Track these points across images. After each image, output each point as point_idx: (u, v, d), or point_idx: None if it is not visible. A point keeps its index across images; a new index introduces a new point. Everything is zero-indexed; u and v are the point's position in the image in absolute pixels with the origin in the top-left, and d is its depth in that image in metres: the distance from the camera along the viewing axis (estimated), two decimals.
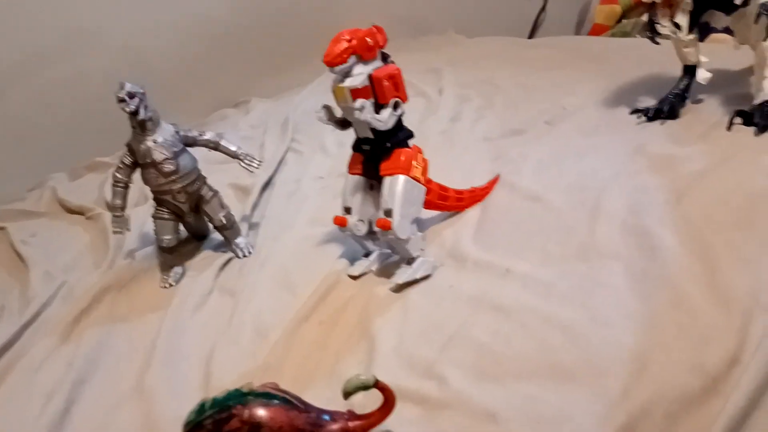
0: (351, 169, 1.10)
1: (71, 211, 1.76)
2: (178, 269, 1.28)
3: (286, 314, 1.06)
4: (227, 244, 1.33)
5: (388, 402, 0.75)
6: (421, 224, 1.13)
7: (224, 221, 1.28)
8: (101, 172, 1.95)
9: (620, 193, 1.09)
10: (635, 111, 1.37)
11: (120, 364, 1.05)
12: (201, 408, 0.73)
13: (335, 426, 0.74)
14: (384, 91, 0.99)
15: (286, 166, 1.70)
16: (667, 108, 1.31)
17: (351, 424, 0.74)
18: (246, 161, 1.29)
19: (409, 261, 1.06)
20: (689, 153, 1.14)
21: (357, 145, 1.07)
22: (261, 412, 0.71)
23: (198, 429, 0.72)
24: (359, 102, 0.97)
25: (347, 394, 0.73)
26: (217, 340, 1.05)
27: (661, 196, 1.04)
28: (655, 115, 1.32)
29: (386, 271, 1.09)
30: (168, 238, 1.26)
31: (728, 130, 1.20)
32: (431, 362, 0.87)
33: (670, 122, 1.30)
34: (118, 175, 1.23)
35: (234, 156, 1.28)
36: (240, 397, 0.73)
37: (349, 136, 1.08)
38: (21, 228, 1.69)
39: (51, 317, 1.24)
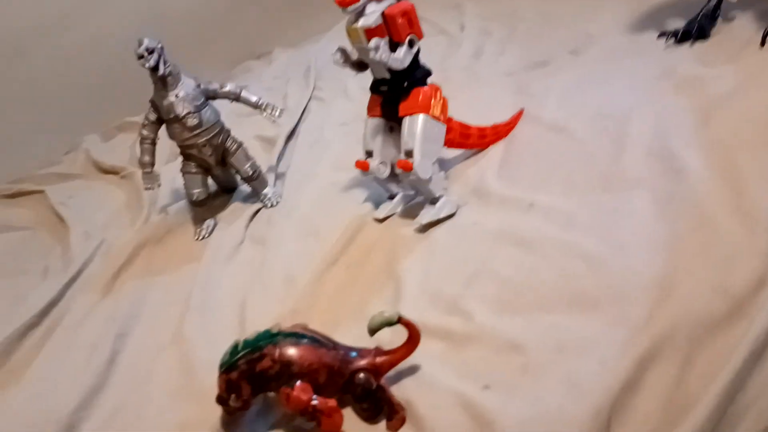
0: (370, 111, 1.09)
1: (105, 171, 1.80)
2: (209, 222, 1.32)
3: (313, 260, 1.08)
4: (255, 195, 1.35)
5: (413, 337, 0.76)
6: (443, 164, 1.13)
7: (251, 172, 1.30)
8: (132, 132, 1.97)
9: (646, 119, 1.07)
10: (662, 34, 1.31)
11: (159, 316, 1.09)
12: (234, 350, 0.76)
13: (363, 362, 0.76)
14: (398, 28, 0.97)
15: (309, 114, 1.71)
16: (696, 29, 1.25)
17: (378, 359, 0.77)
18: (268, 111, 1.29)
19: (433, 201, 1.06)
20: (718, 73, 1.10)
21: (375, 87, 1.07)
22: (291, 351, 0.74)
23: (233, 369, 0.75)
24: (374, 41, 0.96)
25: (372, 331, 0.75)
26: (249, 288, 1.08)
27: (688, 119, 1.01)
28: (683, 37, 1.27)
29: (411, 212, 1.10)
30: (197, 192, 1.29)
31: (761, 47, 1.15)
32: (456, 298, 0.88)
33: (699, 43, 1.25)
34: (144, 132, 1.25)
35: (255, 106, 1.29)
36: (270, 337, 0.75)
37: (371, 79, 1.07)
38: (59, 190, 1.74)
39: (92, 274, 1.28)
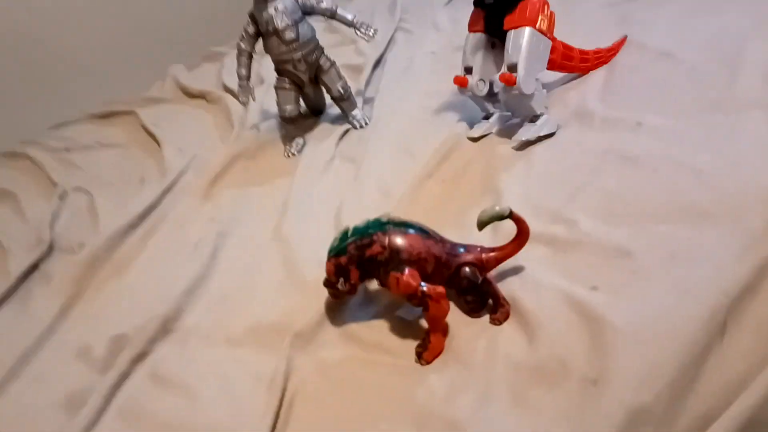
0: (472, 26, 1.08)
1: (193, 96, 1.85)
2: (299, 140, 1.34)
3: (407, 175, 1.09)
4: (344, 117, 1.36)
5: (522, 234, 0.77)
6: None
7: (341, 92, 1.31)
8: (216, 62, 2.02)
9: (762, 44, 1.02)
10: None
11: (257, 219, 1.13)
12: (344, 236, 0.78)
13: (469, 256, 0.77)
14: None
15: (395, 45, 1.70)
16: None
17: (484, 255, 0.77)
18: (362, 29, 1.29)
19: (533, 119, 1.05)
20: None
21: (479, 0, 1.05)
22: (400, 239, 0.76)
23: (342, 254, 0.77)
24: None
25: (482, 225, 0.75)
26: (343, 199, 1.10)
27: None
28: None
29: (507, 132, 1.09)
30: (290, 108, 1.31)
31: None
32: (559, 209, 0.88)
33: None
34: (241, 45, 1.28)
35: (350, 24, 1.29)
36: (380, 225, 0.77)
37: (463, 12, 1.06)
38: (150, 113, 1.79)
39: (188, 183, 1.33)
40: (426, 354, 0.74)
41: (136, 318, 0.94)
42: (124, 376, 0.86)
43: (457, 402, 0.68)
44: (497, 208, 0.74)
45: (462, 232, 0.84)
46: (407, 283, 0.73)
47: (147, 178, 1.44)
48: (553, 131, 1.04)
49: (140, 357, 0.88)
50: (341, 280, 0.78)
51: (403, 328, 0.80)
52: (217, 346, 0.88)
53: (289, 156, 1.31)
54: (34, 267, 1.24)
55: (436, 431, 0.67)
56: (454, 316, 0.77)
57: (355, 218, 1.01)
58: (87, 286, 1.10)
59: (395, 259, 0.75)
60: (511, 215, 0.75)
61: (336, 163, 1.24)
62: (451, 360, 0.74)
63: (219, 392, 0.80)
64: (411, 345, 0.77)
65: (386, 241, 0.75)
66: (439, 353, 0.75)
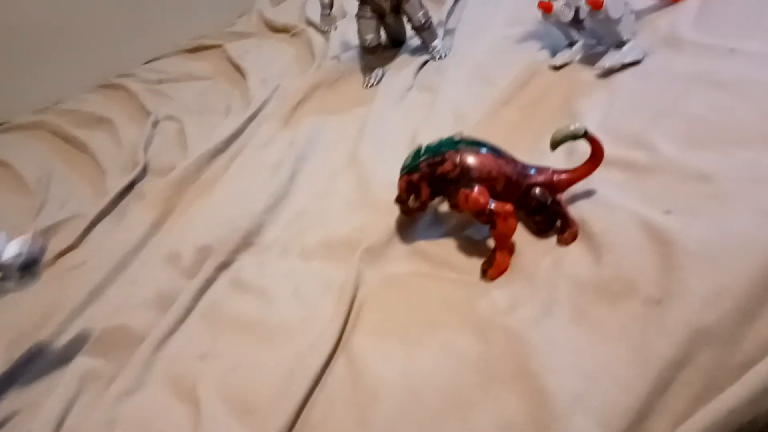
0: None
1: (277, 30, 1.89)
2: (378, 71, 1.35)
3: (484, 103, 1.09)
4: (424, 47, 1.35)
5: (596, 155, 0.75)
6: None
7: (422, 21, 1.30)
8: None
9: None
10: None
11: (334, 144, 1.16)
12: (416, 153, 0.80)
13: (540, 177, 0.77)
14: None
15: None
16: None
17: (555, 176, 0.77)
18: None
19: (619, 45, 1.01)
20: None
21: None
22: (471, 158, 0.76)
23: (414, 171, 0.79)
24: None
25: (555, 144, 0.75)
26: (418, 125, 1.11)
27: None
28: None
29: (591, 59, 1.05)
30: (370, 37, 1.32)
31: None
32: (640, 134, 0.85)
33: None
34: None
35: None
36: (452, 144, 0.78)
37: None
38: (235, 46, 1.85)
39: (270, 112, 1.38)
40: (491, 271, 0.75)
41: (220, 231, 1.01)
42: (209, 282, 0.92)
43: (518, 314, 0.70)
44: (572, 127, 0.73)
45: (537, 157, 0.83)
46: (476, 199, 0.74)
47: (233, 107, 1.50)
48: (639, 58, 1.00)
49: (223, 265, 0.95)
50: (412, 196, 0.80)
51: (469, 247, 0.81)
52: (292, 258, 0.93)
53: (367, 86, 1.33)
54: (129, 186, 1.33)
55: (496, 341, 0.68)
56: (521, 235, 0.78)
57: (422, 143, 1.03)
58: (176, 204, 1.18)
59: (465, 176, 0.75)
60: (586, 135, 0.73)
61: (413, 92, 1.25)
62: (515, 277, 0.75)
63: (292, 298, 0.84)
64: (476, 263, 0.79)
65: (457, 159, 0.76)
66: (504, 270, 0.76)
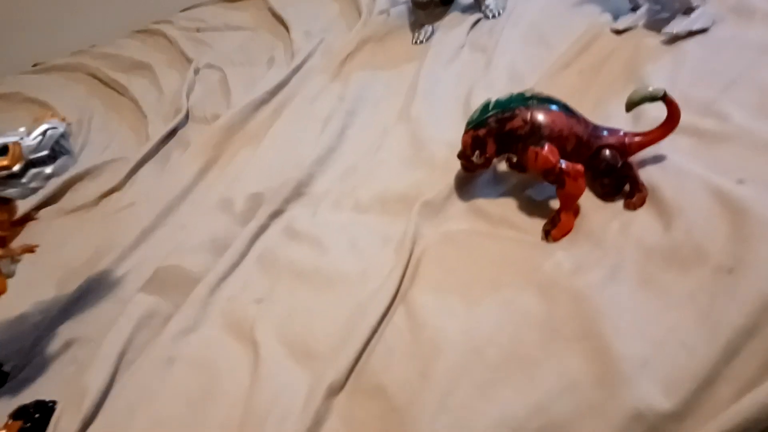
0: None
1: None
2: (428, 27, 1.32)
3: (542, 65, 1.07)
4: (476, 6, 1.32)
5: (672, 118, 0.74)
6: None
7: None
8: None
9: None
10: None
11: (385, 99, 1.15)
12: (485, 108, 0.78)
13: (612, 139, 0.76)
14: None
15: None
16: None
17: (627, 139, 0.76)
18: None
19: (687, 11, 0.98)
20: None
21: None
22: (542, 115, 0.75)
23: (481, 126, 0.78)
24: None
25: (631, 105, 0.73)
26: (473, 85, 1.09)
27: None
28: None
29: (655, 25, 1.03)
30: None
31: None
32: (709, 102, 0.83)
33: None
34: None
35: None
36: (523, 100, 0.76)
37: None
38: None
39: (315, 66, 1.36)
40: (554, 231, 0.75)
41: (270, 180, 1.00)
42: (263, 228, 0.93)
43: (583, 277, 0.69)
44: (651, 88, 0.72)
45: (599, 122, 0.81)
46: (546, 158, 0.73)
47: (276, 58, 1.49)
48: (707, 26, 0.97)
49: (276, 213, 0.95)
50: (477, 152, 0.79)
51: (531, 207, 0.81)
52: (345, 210, 0.93)
53: (417, 43, 1.31)
54: (172, 132, 1.33)
55: (560, 302, 0.68)
56: (587, 198, 0.77)
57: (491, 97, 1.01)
58: (223, 151, 1.18)
59: (536, 134, 0.74)
60: (665, 98, 0.72)
61: (466, 51, 1.23)
62: (580, 239, 0.74)
63: (348, 249, 0.85)
64: (539, 223, 0.78)
65: (528, 115, 0.75)
66: (568, 232, 0.75)
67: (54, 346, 0.84)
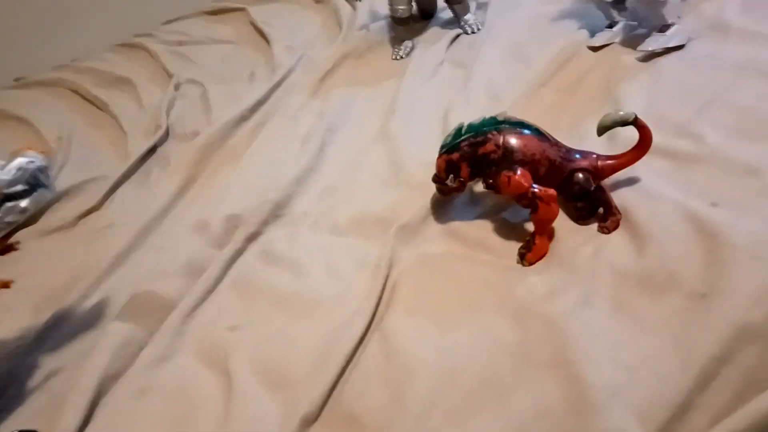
0: None
1: None
2: (408, 43, 1.32)
3: (519, 83, 1.07)
4: (455, 21, 1.33)
5: (644, 142, 0.74)
6: None
7: None
8: None
9: None
10: None
11: (364, 117, 1.15)
12: (458, 132, 0.78)
13: (584, 162, 0.76)
14: None
15: None
16: None
17: (600, 162, 0.76)
18: None
19: (662, 28, 0.98)
20: None
21: None
22: (514, 139, 0.75)
23: (454, 150, 0.77)
24: None
25: (603, 130, 0.73)
26: (451, 102, 1.09)
27: None
28: None
29: (632, 42, 1.03)
30: (402, 9, 1.29)
31: None
32: (685, 122, 0.84)
33: None
34: None
35: None
36: (495, 124, 0.76)
37: None
38: (260, 11, 1.81)
39: (297, 81, 1.36)
40: (529, 255, 0.75)
41: (248, 201, 1.00)
42: (239, 252, 0.92)
43: (557, 302, 0.69)
44: (621, 112, 0.72)
45: (576, 142, 0.82)
46: (519, 183, 0.73)
47: (257, 73, 1.48)
48: (683, 43, 0.98)
49: (253, 236, 0.94)
50: (451, 176, 0.78)
51: (507, 229, 0.81)
52: (323, 232, 0.92)
53: (397, 58, 1.31)
54: (151, 150, 1.32)
55: (533, 328, 0.68)
56: (561, 221, 0.77)
57: (463, 121, 1.01)
58: (202, 170, 1.17)
59: (508, 158, 0.74)
60: (636, 122, 0.72)
61: (445, 67, 1.23)
62: (554, 263, 0.74)
63: (325, 273, 0.84)
64: (514, 246, 0.78)
65: (501, 139, 0.75)
66: (543, 256, 0.75)
67: (30, 375, 0.83)
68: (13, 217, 0.74)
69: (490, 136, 0.75)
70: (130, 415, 0.72)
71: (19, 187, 0.75)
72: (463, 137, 0.77)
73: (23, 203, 0.75)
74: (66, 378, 0.78)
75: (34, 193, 0.76)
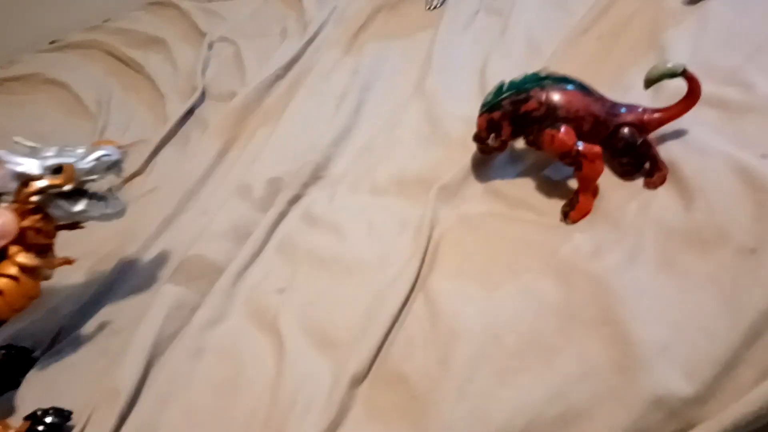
0: None
1: None
2: None
3: (559, 30, 1.04)
4: None
5: (693, 94, 0.72)
6: None
7: None
8: None
9: None
10: None
11: (399, 73, 1.13)
12: (499, 90, 0.77)
13: (630, 116, 0.74)
14: None
15: None
16: None
17: (646, 116, 0.74)
18: None
19: None
20: None
21: None
22: (558, 95, 0.73)
23: (496, 109, 0.76)
24: None
25: (650, 82, 0.71)
26: (489, 53, 1.07)
27: None
28: None
29: None
30: None
31: None
32: (734, 69, 0.80)
33: None
34: None
35: None
36: (537, 80, 0.75)
37: None
38: None
39: (329, 36, 1.34)
40: (573, 213, 0.74)
41: (289, 164, 1.00)
42: (282, 215, 0.93)
43: (602, 259, 0.69)
44: (669, 64, 0.69)
45: (619, 93, 0.79)
46: (562, 140, 0.72)
47: (288, 29, 1.46)
48: None
49: (295, 199, 0.95)
50: (492, 135, 0.78)
51: (548, 188, 0.80)
52: (362, 193, 0.93)
53: (431, 8, 1.28)
54: (189, 112, 1.33)
55: (579, 286, 0.68)
56: (606, 177, 0.76)
57: (501, 75, 0.98)
58: (241, 132, 1.18)
59: (551, 115, 0.73)
60: (685, 73, 0.70)
61: (481, 16, 1.20)
62: (598, 220, 0.73)
63: (367, 235, 0.85)
64: (557, 204, 0.77)
65: (543, 96, 0.73)
66: (587, 213, 0.74)
67: (84, 335, 0.87)
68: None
69: (532, 93, 0.74)
70: (186, 375, 0.76)
71: (95, 177, 0.78)
72: (504, 95, 0.75)
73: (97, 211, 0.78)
74: (122, 339, 0.81)
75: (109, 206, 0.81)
